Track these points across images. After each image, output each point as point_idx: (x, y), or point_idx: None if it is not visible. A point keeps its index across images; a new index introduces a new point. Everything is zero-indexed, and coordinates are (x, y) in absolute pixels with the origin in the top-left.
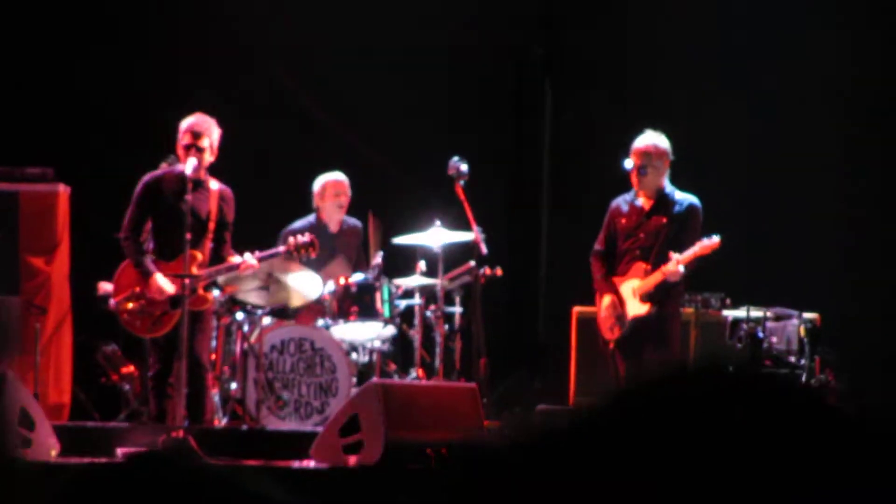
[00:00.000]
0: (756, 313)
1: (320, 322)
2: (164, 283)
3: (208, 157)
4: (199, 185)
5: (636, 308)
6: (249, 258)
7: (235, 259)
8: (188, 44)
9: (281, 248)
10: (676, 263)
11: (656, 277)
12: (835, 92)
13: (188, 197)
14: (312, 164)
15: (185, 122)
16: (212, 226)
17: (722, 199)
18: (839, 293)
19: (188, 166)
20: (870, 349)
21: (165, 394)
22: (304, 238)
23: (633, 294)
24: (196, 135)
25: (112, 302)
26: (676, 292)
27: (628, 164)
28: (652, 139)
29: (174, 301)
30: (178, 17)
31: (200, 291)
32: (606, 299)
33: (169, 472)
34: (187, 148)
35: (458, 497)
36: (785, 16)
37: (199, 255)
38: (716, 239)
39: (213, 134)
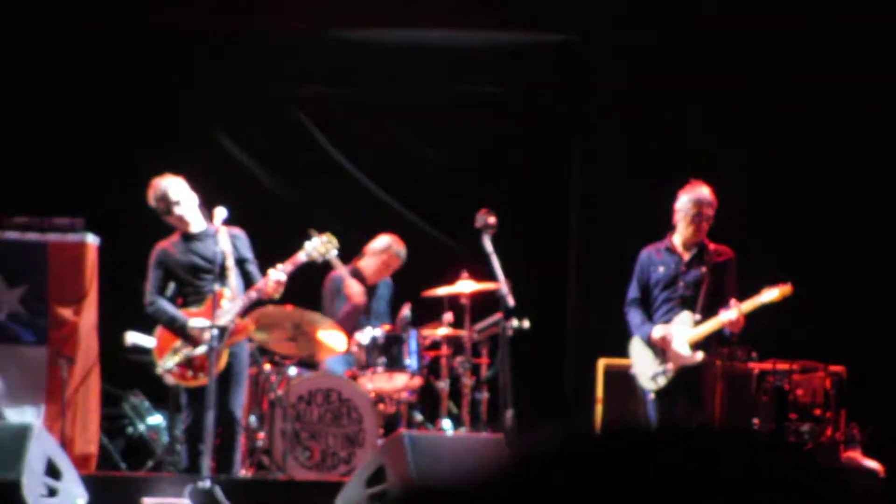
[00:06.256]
0: (782, 366)
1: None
2: (201, 321)
3: (188, 210)
4: (206, 234)
5: (686, 357)
6: (274, 273)
7: (260, 282)
8: (215, 97)
9: (301, 255)
10: (740, 312)
11: (713, 325)
12: (864, 148)
13: (199, 246)
14: (342, 216)
15: (150, 193)
16: (229, 264)
17: (750, 251)
18: (866, 346)
19: (194, 225)
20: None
21: (197, 447)
22: (324, 241)
23: (683, 343)
24: (164, 201)
25: (159, 364)
26: (714, 344)
27: (684, 209)
28: (708, 191)
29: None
30: (210, 73)
31: (238, 320)
32: (654, 342)
33: None
34: (165, 214)
35: None
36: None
37: (228, 291)
38: (787, 285)
39: (177, 192)
